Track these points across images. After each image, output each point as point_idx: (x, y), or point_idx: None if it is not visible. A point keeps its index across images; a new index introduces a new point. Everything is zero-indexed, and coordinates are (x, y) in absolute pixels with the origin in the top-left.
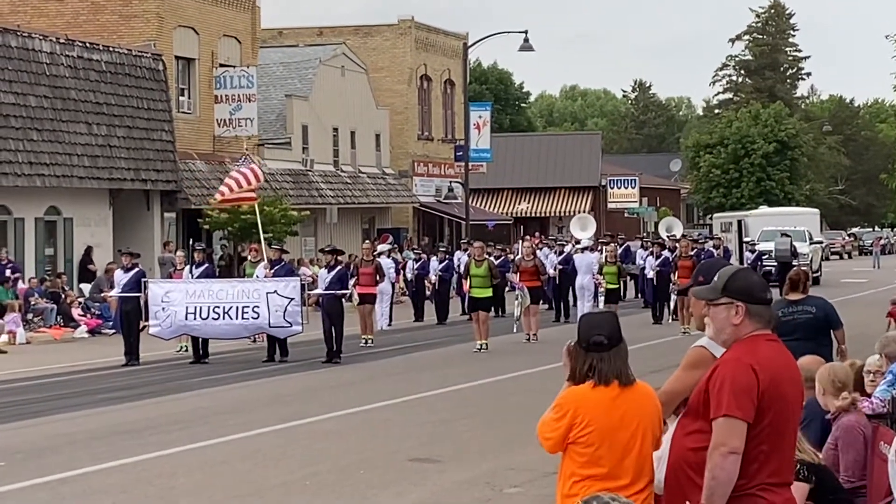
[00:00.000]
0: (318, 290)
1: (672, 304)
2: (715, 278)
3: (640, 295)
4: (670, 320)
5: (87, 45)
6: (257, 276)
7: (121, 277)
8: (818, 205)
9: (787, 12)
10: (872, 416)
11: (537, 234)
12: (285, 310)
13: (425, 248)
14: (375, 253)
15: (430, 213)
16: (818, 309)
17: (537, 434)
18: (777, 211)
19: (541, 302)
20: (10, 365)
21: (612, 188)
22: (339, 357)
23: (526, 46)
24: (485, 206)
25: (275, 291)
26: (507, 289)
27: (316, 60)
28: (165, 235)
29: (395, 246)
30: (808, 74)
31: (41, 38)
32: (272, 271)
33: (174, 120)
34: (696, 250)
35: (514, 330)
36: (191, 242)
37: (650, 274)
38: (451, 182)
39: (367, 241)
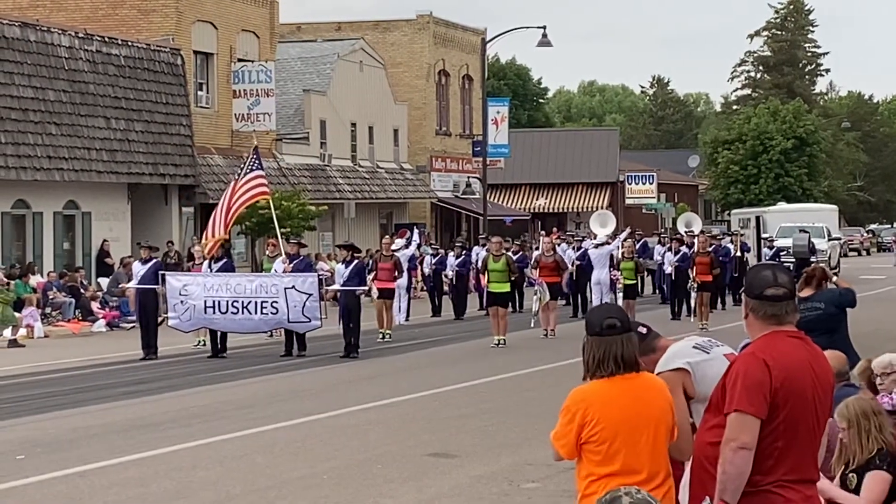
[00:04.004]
0: (336, 286)
1: (691, 301)
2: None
3: (657, 291)
4: (691, 318)
5: (106, 39)
6: (275, 271)
7: (139, 269)
8: (836, 201)
9: (806, 8)
10: (892, 411)
11: (555, 229)
12: (304, 305)
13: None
14: (394, 248)
15: (447, 208)
16: (826, 303)
17: (551, 444)
18: (795, 207)
19: (559, 298)
20: (28, 359)
21: (629, 184)
22: (356, 352)
23: (544, 42)
24: (502, 202)
25: (293, 287)
26: (525, 284)
27: (334, 55)
28: (183, 230)
29: (418, 242)
30: (827, 71)
31: (60, 32)
32: (291, 266)
33: (192, 114)
34: (713, 246)
35: (533, 325)
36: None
37: (668, 269)
38: (468, 177)
39: (387, 237)
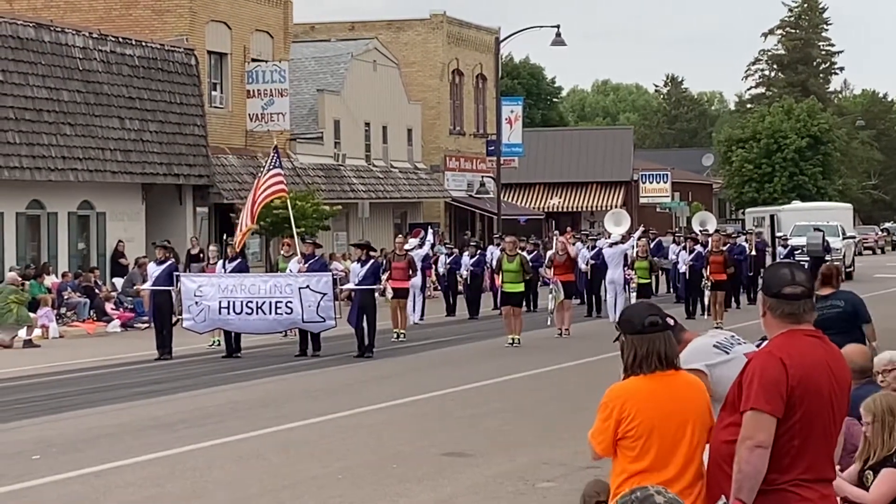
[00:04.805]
0: (350, 285)
1: (705, 299)
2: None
3: (671, 290)
4: (705, 316)
5: (120, 39)
6: (290, 270)
7: (153, 270)
8: (851, 200)
9: (820, 6)
10: None
11: (569, 228)
12: (318, 305)
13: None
14: (407, 247)
15: (461, 207)
16: (846, 303)
17: (589, 443)
18: (810, 206)
19: (573, 297)
20: (43, 359)
21: (643, 183)
22: (371, 351)
23: (558, 41)
24: (516, 201)
25: (307, 287)
26: (539, 284)
27: (348, 55)
28: (198, 230)
29: (432, 241)
30: (842, 69)
31: (74, 32)
32: (306, 265)
33: (206, 115)
34: (728, 245)
35: (549, 323)
36: (224, 237)
37: (682, 268)
38: (482, 177)
39: (401, 236)
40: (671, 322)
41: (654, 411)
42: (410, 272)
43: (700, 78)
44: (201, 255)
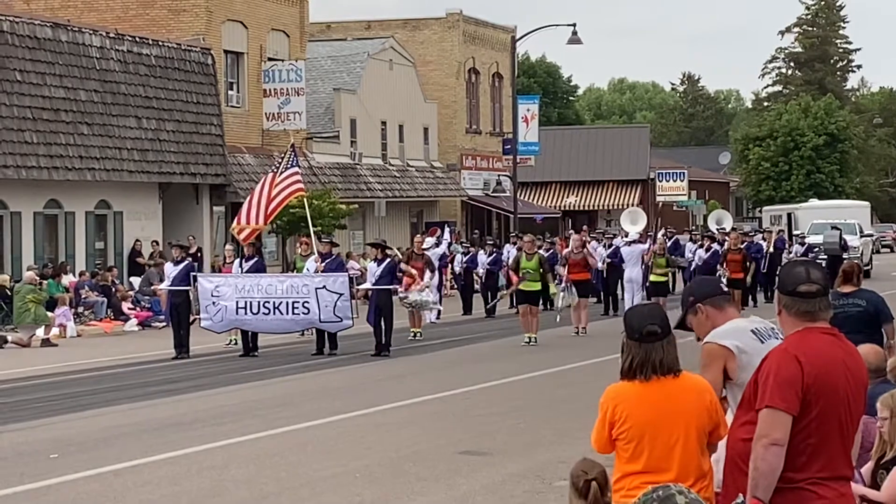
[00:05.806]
0: (367, 285)
1: None
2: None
3: None
4: None
5: (137, 39)
6: (307, 269)
7: (171, 270)
8: (869, 198)
9: (838, 4)
10: None
11: (585, 227)
12: (335, 305)
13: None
14: (424, 247)
15: (478, 206)
16: (868, 302)
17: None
18: (827, 204)
19: (589, 295)
20: (61, 358)
21: (660, 181)
22: (388, 350)
23: (574, 39)
24: (533, 200)
25: (324, 287)
26: (555, 282)
27: (364, 54)
28: (214, 229)
29: (448, 240)
30: (859, 67)
31: (91, 32)
32: (323, 265)
33: (223, 114)
34: (745, 243)
35: (557, 320)
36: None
37: None
38: (499, 175)
39: (419, 236)
40: (725, 288)
41: (645, 416)
42: (428, 271)
43: (717, 76)
44: (198, 256)
